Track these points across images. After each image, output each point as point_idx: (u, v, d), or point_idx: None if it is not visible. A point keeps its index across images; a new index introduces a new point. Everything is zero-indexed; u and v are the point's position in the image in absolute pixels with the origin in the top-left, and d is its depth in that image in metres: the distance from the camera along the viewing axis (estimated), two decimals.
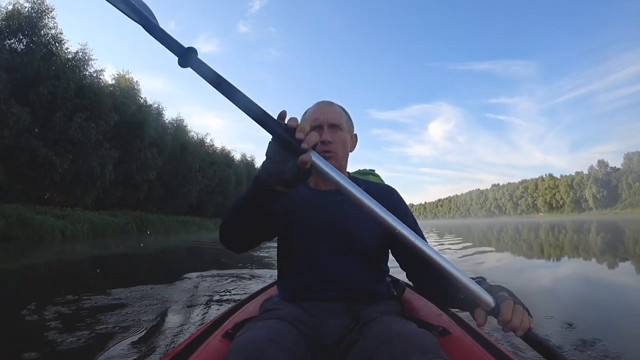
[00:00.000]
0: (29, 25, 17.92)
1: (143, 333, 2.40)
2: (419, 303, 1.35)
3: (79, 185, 17.08)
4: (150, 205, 24.25)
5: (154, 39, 0.75)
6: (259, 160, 54.54)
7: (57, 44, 18.91)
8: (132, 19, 0.77)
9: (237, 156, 47.56)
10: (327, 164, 0.72)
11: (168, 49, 0.73)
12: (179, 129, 31.53)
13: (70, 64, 18.97)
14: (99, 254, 8.85)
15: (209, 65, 0.71)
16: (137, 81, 26.42)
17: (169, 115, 32.46)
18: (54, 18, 19.18)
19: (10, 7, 18.01)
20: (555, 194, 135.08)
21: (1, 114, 13.50)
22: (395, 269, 1.26)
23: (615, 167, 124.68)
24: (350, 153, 1.24)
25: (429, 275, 1.02)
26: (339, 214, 1.13)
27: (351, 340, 0.93)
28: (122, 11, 0.77)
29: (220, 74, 0.71)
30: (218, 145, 37.86)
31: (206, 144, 37.15)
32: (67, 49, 19.79)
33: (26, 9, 18.23)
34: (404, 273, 1.18)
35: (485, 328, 2.12)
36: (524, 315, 0.77)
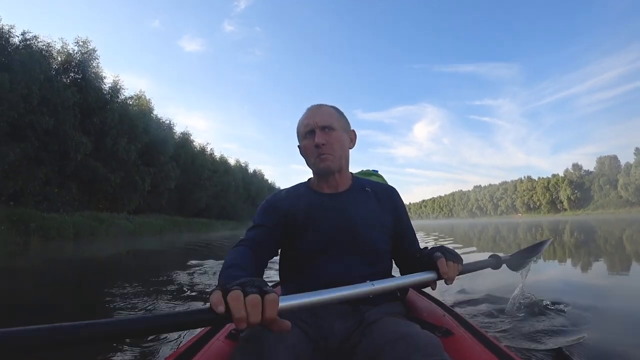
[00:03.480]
0: (79, 65, 22.23)
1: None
2: (423, 304, 1.37)
3: (125, 196, 21.74)
4: (169, 210, 28.85)
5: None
6: (252, 165, 58.83)
7: (100, 80, 23.33)
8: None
9: (232, 161, 51.76)
10: (297, 299, 0.75)
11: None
12: (186, 141, 35.85)
13: (110, 96, 23.41)
14: (174, 244, 13.47)
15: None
16: (149, 99, 30.62)
17: (177, 129, 36.41)
18: (97, 59, 23.57)
19: (59, 47, 22.33)
20: (532, 196, 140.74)
21: (75, 143, 18.02)
22: (396, 272, 1.27)
23: (588, 170, 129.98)
24: (350, 150, 1.26)
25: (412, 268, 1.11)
26: (344, 216, 1.16)
27: (355, 340, 0.96)
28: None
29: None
30: (202, 146, 41.29)
31: (207, 153, 41.40)
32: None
33: (76, 52, 22.59)
34: (406, 273, 1.16)
35: (488, 329, 2.33)
36: (454, 265, 1.00)
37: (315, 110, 1.22)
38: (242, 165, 55.20)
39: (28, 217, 12.50)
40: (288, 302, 0.72)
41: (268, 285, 0.73)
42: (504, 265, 1.38)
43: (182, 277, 4.90)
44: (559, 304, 2.95)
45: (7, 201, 14.22)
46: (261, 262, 1.11)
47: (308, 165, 1.24)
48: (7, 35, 17.01)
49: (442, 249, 1.05)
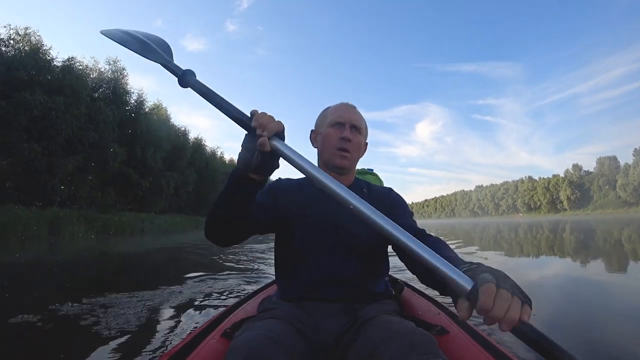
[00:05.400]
0: (110, 82, 25.04)
1: (141, 331, 2.45)
2: (417, 302, 1.38)
3: (153, 198, 24.78)
4: (187, 210, 31.80)
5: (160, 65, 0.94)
6: None
7: (128, 95, 26.18)
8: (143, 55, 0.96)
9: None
10: (291, 150, 0.81)
11: (172, 73, 0.92)
12: (200, 146, 38.59)
13: (137, 108, 26.34)
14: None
15: (203, 83, 0.89)
16: (166, 107, 33.13)
17: (190, 135, 39.14)
18: (126, 77, 26.34)
19: (90, 65, 25.07)
20: (533, 196, 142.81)
21: (113, 153, 20.95)
22: (393, 270, 1.27)
23: (588, 170, 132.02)
24: (359, 159, 1.28)
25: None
26: (339, 214, 1.13)
27: (350, 339, 0.94)
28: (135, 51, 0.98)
29: (210, 87, 0.88)
30: (213, 149, 43.72)
31: (217, 156, 44.14)
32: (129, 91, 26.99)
33: (108, 70, 25.38)
34: (403, 272, 1.36)
35: (484, 327, 1.93)
36: (512, 302, 0.59)
37: (351, 108, 1.26)
38: None
39: (92, 218, 15.51)
40: (282, 145, 0.82)
41: None
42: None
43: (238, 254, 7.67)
44: (558, 300, 2.92)
45: (63, 205, 17.16)
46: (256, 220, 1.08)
47: (320, 153, 1.27)
48: (49, 56, 19.81)
49: (486, 268, 0.66)
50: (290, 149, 0.81)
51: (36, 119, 16.52)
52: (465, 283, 0.62)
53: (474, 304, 0.60)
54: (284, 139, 0.83)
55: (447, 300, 2.20)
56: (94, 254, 9.37)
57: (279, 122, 0.82)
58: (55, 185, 17.06)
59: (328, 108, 1.29)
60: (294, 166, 0.79)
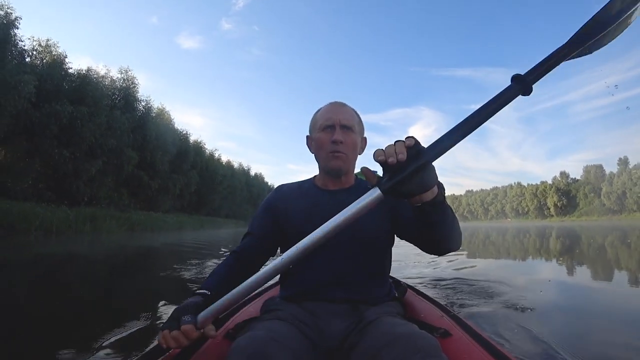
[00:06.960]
0: (122, 91, 27.05)
1: (142, 331, 2.47)
2: (421, 304, 1.38)
3: (160, 199, 26.94)
4: (189, 210, 33.94)
5: None
6: (248, 164, 62.26)
7: (138, 102, 28.21)
8: None
9: (235, 164, 56.26)
10: (222, 302, 0.85)
11: None
12: (200, 149, 40.53)
13: (146, 115, 28.39)
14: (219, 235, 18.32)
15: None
16: (169, 111, 34.95)
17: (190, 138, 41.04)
18: (137, 85, 28.30)
19: (103, 72, 26.90)
20: (521, 201, 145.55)
21: (126, 157, 23.05)
22: (395, 272, 1.27)
23: (575, 178, 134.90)
24: (359, 156, 1.26)
25: (426, 234, 1.00)
26: None
27: (353, 341, 0.95)
28: None
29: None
30: (211, 151, 45.13)
31: (215, 158, 45.92)
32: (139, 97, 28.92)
33: (120, 79, 27.32)
34: (405, 274, 1.72)
35: (487, 330, 2.26)
36: (395, 147, 0.79)
37: (340, 107, 1.23)
38: (245, 168, 60.06)
39: (117, 216, 17.68)
40: (208, 313, 0.84)
41: (194, 309, 0.86)
42: None
43: None
44: (556, 303, 3.04)
45: (88, 204, 19.27)
46: (250, 269, 1.10)
47: (317, 159, 1.25)
48: (67, 66, 21.63)
49: None
50: (222, 300, 0.85)
51: (64, 128, 18.56)
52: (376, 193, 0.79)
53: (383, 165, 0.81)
54: (199, 310, 0.86)
55: (450, 302, 3.27)
56: (133, 246, 11.31)
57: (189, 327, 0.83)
58: (80, 187, 19.16)
59: (318, 111, 1.27)
60: (239, 297, 0.84)
